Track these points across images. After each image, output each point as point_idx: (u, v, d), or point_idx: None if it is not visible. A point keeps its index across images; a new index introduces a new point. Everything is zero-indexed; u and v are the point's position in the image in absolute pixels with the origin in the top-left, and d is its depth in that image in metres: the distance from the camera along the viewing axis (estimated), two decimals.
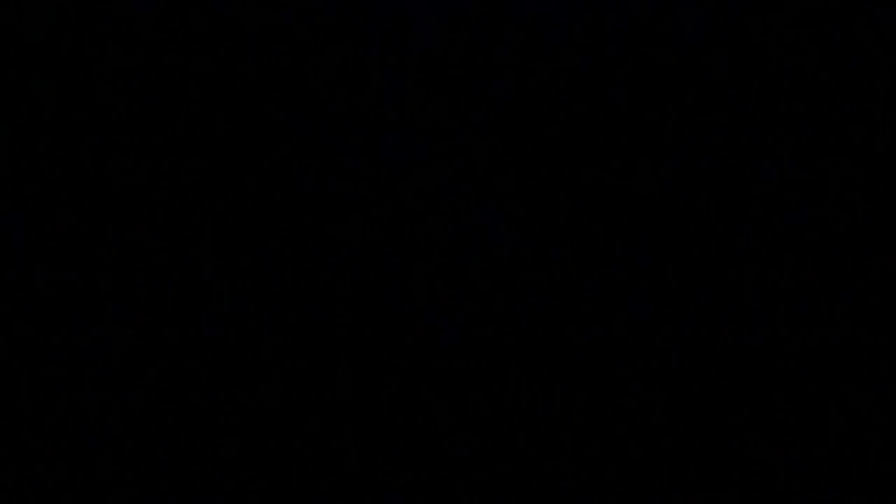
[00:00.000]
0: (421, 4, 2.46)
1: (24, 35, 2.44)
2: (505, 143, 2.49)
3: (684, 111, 2.48)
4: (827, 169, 2.48)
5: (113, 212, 2.43)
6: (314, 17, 2.44)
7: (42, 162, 2.40)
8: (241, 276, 2.40)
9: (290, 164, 2.42)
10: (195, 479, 2.27)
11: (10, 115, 2.41)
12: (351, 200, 2.43)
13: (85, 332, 2.39)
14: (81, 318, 2.41)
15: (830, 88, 2.51)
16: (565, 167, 2.49)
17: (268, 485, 2.28)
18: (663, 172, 2.50)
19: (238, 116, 2.43)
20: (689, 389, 2.40)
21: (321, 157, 2.42)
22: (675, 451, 2.34)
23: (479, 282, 2.46)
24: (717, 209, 2.49)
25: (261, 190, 2.43)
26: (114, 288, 2.43)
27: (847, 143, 2.50)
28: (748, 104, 2.51)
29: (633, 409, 2.37)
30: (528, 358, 2.42)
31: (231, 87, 2.43)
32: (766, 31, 2.49)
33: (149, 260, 2.43)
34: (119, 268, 2.43)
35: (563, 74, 2.48)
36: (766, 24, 2.49)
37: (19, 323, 2.40)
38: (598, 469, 2.32)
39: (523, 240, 2.47)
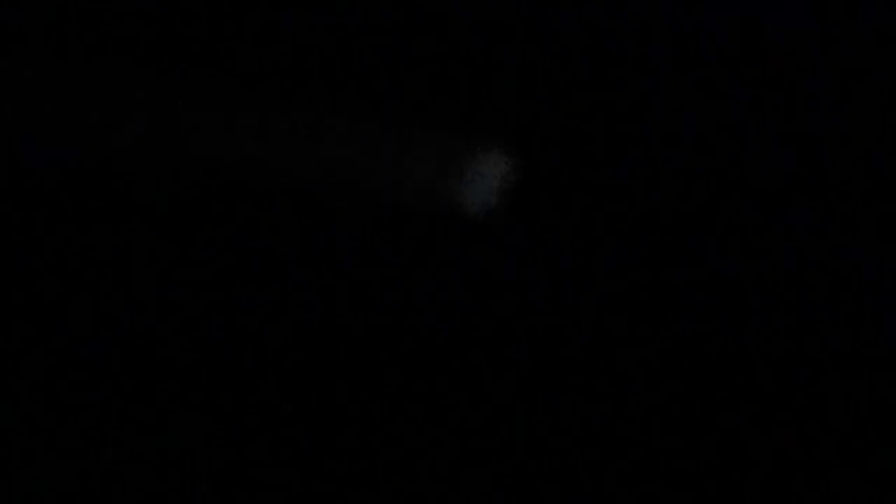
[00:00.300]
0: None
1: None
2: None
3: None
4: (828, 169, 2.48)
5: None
6: None
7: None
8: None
9: None
10: (195, 479, 2.26)
11: None
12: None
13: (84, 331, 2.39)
14: (81, 317, 2.41)
15: (830, 88, 2.50)
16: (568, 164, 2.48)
17: (268, 484, 2.28)
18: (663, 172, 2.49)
19: None
20: (689, 389, 2.40)
21: None
22: (675, 450, 2.34)
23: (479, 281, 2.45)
24: (717, 209, 2.49)
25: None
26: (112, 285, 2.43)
27: (846, 142, 2.50)
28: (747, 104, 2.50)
29: (633, 408, 2.37)
30: (528, 357, 2.42)
31: None
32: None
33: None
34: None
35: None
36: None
37: (19, 323, 2.40)
38: (597, 469, 2.31)
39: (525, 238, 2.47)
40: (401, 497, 2.27)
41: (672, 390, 2.39)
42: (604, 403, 2.38)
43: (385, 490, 2.27)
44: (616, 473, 2.30)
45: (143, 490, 2.24)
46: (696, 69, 2.50)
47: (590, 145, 2.50)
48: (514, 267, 2.47)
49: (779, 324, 2.45)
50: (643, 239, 2.49)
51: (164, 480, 2.26)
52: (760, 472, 2.30)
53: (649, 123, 2.50)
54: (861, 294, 2.46)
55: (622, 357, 2.42)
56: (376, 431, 2.33)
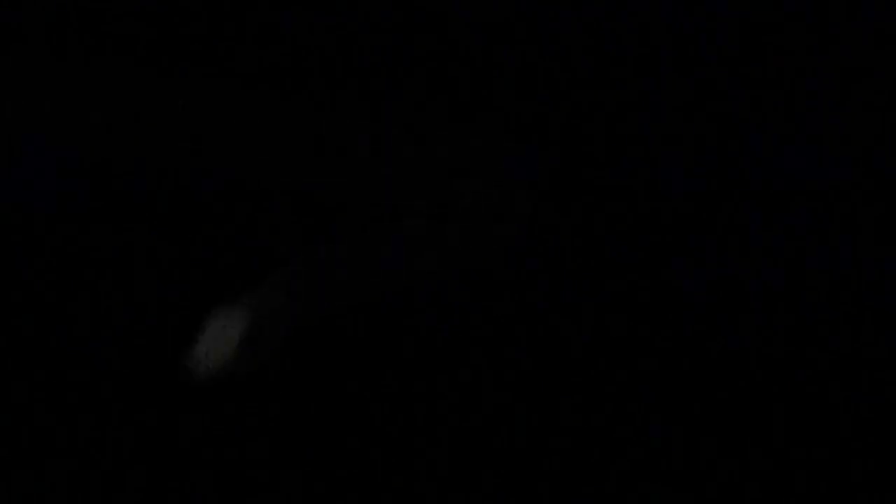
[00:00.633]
0: None
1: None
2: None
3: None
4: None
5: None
6: None
7: None
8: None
9: None
10: (195, 480, 2.26)
11: None
12: None
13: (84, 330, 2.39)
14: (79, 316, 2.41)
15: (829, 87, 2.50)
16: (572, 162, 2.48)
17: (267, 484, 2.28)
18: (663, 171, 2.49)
19: None
20: (689, 389, 2.40)
21: None
22: (675, 450, 2.34)
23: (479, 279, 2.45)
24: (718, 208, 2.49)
25: None
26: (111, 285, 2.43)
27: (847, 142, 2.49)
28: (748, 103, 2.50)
29: (633, 409, 2.37)
30: (526, 357, 2.42)
31: None
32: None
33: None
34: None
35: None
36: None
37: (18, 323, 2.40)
38: (597, 469, 2.31)
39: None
40: (401, 497, 2.27)
41: (672, 390, 2.39)
42: (604, 403, 2.37)
43: (385, 490, 2.27)
44: (616, 473, 2.30)
45: (144, 490, 2.24)
46: (696, 69, 2.50)
47: (590, 145, 2.50)
48: (514, 267, 2.47)
49: (779, 324, 2.44)
50: (643, 239, 2.49)
51: (165, 480, 2.26)
52: (760, 472, 2.30)
53: (649, 123, 2.50)
54: (861, 294, 2.45)
55: (622, 357, 2.42)
56: (376, 431, 2.33)
